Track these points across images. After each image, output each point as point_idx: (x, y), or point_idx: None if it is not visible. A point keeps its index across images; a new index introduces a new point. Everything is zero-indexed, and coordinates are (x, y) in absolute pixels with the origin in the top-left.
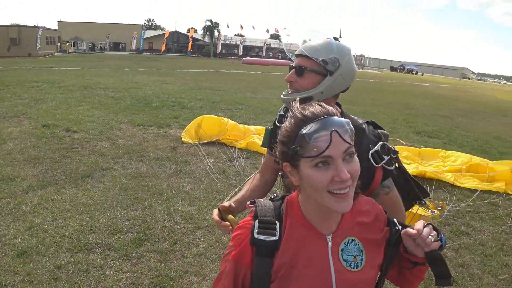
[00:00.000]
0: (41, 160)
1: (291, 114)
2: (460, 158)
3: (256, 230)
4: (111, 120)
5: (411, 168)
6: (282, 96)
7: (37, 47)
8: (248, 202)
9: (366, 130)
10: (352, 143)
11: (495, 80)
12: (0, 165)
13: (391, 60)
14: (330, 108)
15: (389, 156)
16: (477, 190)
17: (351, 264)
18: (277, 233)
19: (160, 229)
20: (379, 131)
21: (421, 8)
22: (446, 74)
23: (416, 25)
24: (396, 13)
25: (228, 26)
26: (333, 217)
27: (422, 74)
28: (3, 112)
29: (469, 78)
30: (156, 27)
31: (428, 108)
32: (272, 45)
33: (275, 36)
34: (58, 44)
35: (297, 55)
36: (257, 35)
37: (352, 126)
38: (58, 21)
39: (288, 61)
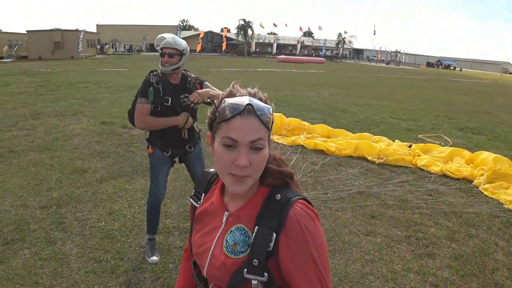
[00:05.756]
0: (107, 154)
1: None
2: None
3: (191, 195)
4: None
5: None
6: (161, 67)
7: (79, 50)
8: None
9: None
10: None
11: None
12: (71, 158)
13: (428, 56)
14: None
15: None
16: None
17: (228, 248)
18: (200, 202)
19: None
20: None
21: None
22: (485, 69)
23: (453, 18)
24: (431, 6)
25: (262, 26)
26: (237, 196)
27: (461, 70)
28: (62, 111)
29: (511, 73)
30: (190, 28)
31: (469, 104)
32: (306, 43)
33: (308, 34)
34: (98, 46)
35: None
36: (290, 33)
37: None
38: (96, 24)
39: (323, 58)
